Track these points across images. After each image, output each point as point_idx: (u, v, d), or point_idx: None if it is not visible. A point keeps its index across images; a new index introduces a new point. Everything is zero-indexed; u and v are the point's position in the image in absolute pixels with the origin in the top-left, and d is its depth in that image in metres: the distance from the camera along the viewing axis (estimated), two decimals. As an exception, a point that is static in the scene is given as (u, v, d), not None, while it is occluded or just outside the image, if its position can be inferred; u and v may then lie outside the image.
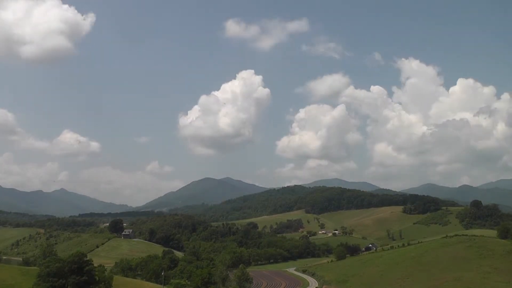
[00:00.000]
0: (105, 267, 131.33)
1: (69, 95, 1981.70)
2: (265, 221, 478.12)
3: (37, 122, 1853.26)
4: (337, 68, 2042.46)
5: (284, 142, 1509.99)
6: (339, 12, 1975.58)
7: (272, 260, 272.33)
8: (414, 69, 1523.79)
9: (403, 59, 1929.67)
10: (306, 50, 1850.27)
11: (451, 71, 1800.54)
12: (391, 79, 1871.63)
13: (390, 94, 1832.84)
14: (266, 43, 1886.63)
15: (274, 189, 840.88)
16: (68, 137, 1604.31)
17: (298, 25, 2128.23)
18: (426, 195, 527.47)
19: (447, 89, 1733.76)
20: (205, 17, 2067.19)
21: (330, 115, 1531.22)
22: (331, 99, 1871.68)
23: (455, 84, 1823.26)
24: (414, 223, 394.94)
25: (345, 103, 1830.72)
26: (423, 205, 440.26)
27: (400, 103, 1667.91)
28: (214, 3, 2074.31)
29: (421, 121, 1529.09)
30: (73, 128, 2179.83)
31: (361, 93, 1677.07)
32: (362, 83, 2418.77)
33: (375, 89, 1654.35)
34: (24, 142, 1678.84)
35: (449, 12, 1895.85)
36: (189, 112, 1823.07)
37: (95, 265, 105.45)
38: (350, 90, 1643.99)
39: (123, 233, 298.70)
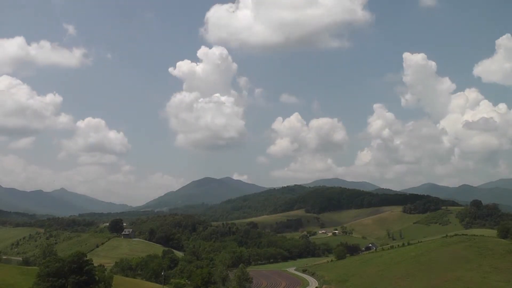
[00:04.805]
0: (105, 267, 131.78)
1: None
2: (265, 220, 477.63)
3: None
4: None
5: (284, 140, 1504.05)
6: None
7: (272, 260, 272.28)
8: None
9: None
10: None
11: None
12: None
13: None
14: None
15: (274, 188, 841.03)
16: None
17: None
18: (426, 194, 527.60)
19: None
20: None
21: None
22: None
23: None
24: (414, 223, 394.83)
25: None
26: (423, 204, 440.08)
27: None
28: None
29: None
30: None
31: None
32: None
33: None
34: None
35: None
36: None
37: (95, 264, 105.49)
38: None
39: (123, 232, 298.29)
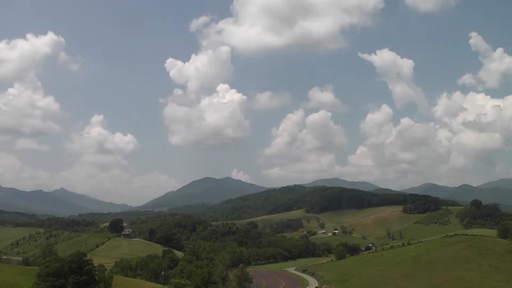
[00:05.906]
0: (105, 267, 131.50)
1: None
2: (265, 220, 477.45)
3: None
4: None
5: (284, 140, 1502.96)
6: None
7: (272, 260, 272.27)
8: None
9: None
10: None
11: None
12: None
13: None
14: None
15: (274, 188, 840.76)
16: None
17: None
18: (426, 194, 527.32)
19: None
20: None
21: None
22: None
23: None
24: (414, 223, 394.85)
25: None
26: (423, 204, 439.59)
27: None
28: None
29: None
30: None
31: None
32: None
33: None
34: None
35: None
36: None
37: (95, 264, 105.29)
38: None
39: (123, 232, 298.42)
